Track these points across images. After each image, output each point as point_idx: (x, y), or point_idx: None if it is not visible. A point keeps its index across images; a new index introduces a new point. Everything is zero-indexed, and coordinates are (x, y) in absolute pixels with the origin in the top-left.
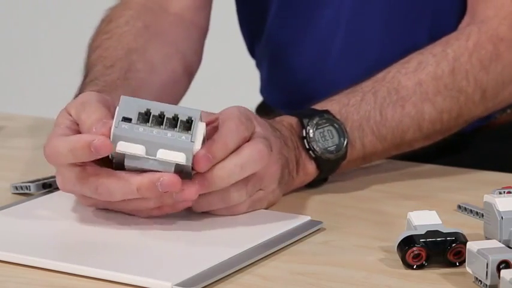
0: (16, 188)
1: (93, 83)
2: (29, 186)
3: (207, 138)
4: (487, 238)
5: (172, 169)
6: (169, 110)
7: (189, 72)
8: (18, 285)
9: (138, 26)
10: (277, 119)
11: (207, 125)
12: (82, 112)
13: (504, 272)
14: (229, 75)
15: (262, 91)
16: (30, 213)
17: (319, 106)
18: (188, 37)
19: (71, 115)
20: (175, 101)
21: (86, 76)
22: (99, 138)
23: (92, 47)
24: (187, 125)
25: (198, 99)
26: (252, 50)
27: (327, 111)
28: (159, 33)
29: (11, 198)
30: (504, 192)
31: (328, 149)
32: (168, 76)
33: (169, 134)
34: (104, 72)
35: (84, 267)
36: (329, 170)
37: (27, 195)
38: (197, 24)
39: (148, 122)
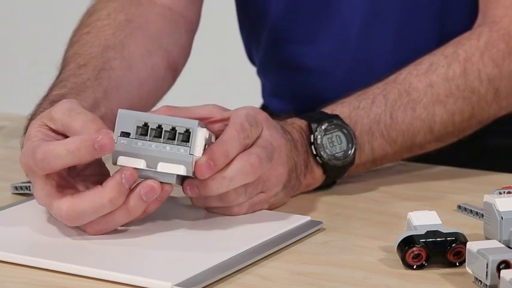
0: (16, 188)
1: (61, 85)
2: (29, 186)
3: (218, 135)
4: (487, 238)
5: (174, 180)
6: (166, 123)
7: (174, 68)
8: (18, 285)
9: (119, 19)
10: (289, 121)
11: (220, 121)
12: (71, 119)
13: (504, 272)
14: (232, 76)
15: (265, 98)
16: (30, 213)
17: (329, 109)
18: (174, 31)
19: (47, 126)
20: (157, 98)
21: (58, 75)
22: (103, 136)
23: (71, 41)
24: (186, 136)
25: (200, 98)
26: (251, 56)
27: (336, 116)
28: (141, 27)
29: (11, 198)
30: (504, 192)
31: (336, 155)
32: (148, 73)
33: (168, 147)
34: (74, 73)
35: (84, 268)
36: (336, 175)
37: (27, 195)
38: (186, 18)
39: (146, 135)
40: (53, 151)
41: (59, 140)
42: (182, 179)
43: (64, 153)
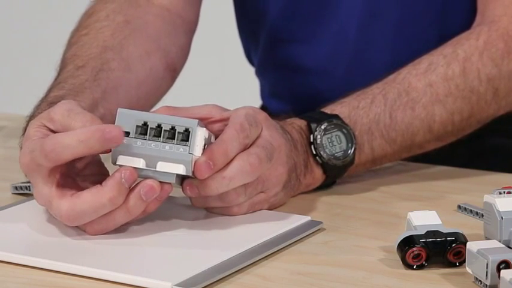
0: (16, 188)
1: (59, 86)
2: (29, 186)
3: (218, 135)
4: (487, 238)
5: (174, 179)
6: (166, 122)
7: (172, 69)
8: (18, 285)
9: (118, 20)
10: (288, 121)
11: (220, 121)
12: (70, 120)
13: (504, 272)
14: (231, 77)
15: (264, 99)
16: (30, 213)
17: (329, 109)
18: (173, 32)
19: (46, 127)
20: (155, 98)
21: (57, 76)
22: (113, 128)
23: (70, 43)
24: (185, 136)
25: (199, 99)
26: (250, 57)
27: (336, 116)
28: (140, 28)
29: (11, 198)
30: (504, 192)
31: (336, 155)
32: (146, 74)
33: (167, 146)
34: (73, 74)
35: (84, 268)
36: (336, 175)
37: (27, 195)
38: (185, 18)
39: (146, 134)
40: (63, 141)
41: None
42: (182, 179)
43: (75, 143)
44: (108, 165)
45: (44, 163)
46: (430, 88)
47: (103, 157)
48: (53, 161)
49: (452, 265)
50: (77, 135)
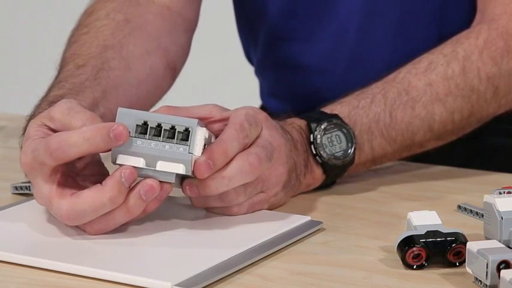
0: (16, 188)
1: (60, 85)
2: (29, 186)
3: (218, 135)
4: (487, 238)
5: (173, 179)
6: (166, 121)
7: (172, 68)
8: (18, 285)
9: (118, 19)
10: (288, 120)
11: (220, 121)
12: (70, 118)
13: (504, 272)
14: (230, 77)
15: (264, 98)
16: (30, 213)
17: (328, 109)
18: (173, 30)
19: (46, 126)
20: (156, 97)
21: (57, 75)
22: (118, 125)
23: (70, 42)
24: (185, 135)
25: (199, 98)
26: (249, 56)
27: (335, 116)
28: (140, 27)
29: (11, 198)
30: (504, 192)
31: (336, 154)
32: (146, 73)
33: (167, 146)
34: (73, 73)
35: (84, 268)
36: (336, 175)
37: (27, 195)
38: (185, 17)
39: (146, 133)
40: (69, 139)
41: None
42: (182, 179)
43: (80, 141)
44: (108, 165)
45: (48, 161)
46: (430, 87)
47: (103, 157)
48: (57, 160)
49: (452, 265)
50: (82, 133)
